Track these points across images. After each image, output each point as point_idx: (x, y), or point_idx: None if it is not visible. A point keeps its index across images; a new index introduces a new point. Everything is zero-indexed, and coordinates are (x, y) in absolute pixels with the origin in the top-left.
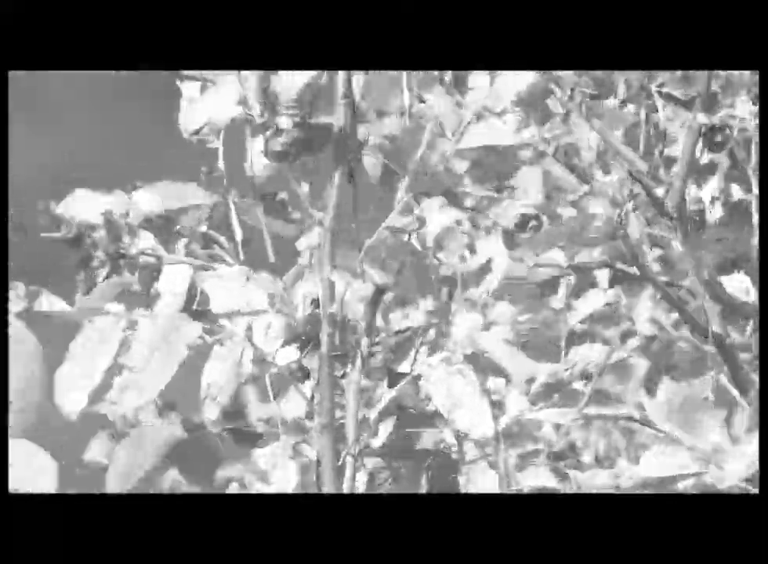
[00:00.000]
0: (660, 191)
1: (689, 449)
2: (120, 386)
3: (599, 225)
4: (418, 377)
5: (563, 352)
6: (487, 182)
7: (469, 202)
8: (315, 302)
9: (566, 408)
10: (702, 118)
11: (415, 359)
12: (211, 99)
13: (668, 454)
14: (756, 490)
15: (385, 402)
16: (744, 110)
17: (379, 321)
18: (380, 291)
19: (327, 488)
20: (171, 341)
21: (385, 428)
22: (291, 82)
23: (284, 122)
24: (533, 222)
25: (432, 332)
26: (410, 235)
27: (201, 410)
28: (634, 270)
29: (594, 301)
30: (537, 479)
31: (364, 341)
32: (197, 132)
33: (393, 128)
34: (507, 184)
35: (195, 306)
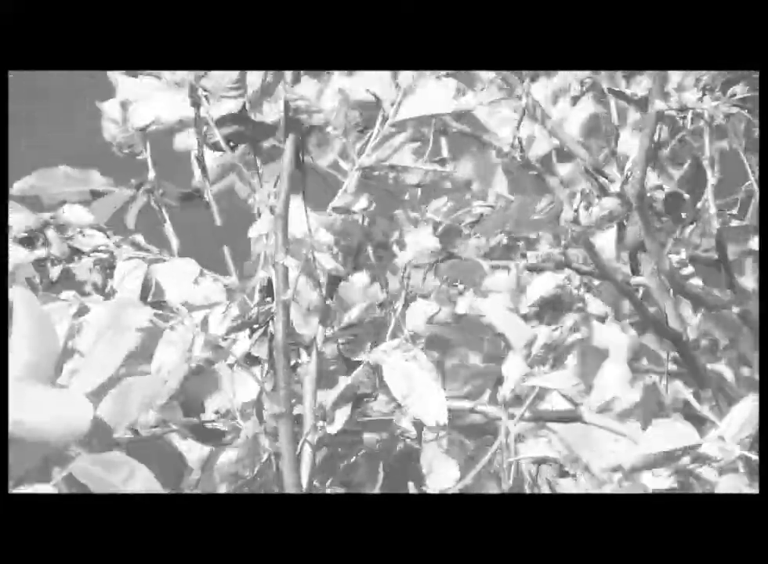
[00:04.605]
0: (616, 184)
1: None
2: (70, 370)
3: (542, 207)
4: (375, 364)
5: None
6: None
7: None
8: (265, 289)
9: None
10: (660, 105)
11: (371, 349)
12: (162, 97)
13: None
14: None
15: (341, 388)
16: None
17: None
18: (335, 278)
19: (286, 478)
20: (120, 325)
21: (342, 415)
22: (222, 77)
23: (227, 108)
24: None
25: (387, 320)
26: (363, 217)
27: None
28: (593, 268)
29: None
30: (537, 449)
31: (320, 330)
32: (144, 129)
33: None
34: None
35: (150, 298)
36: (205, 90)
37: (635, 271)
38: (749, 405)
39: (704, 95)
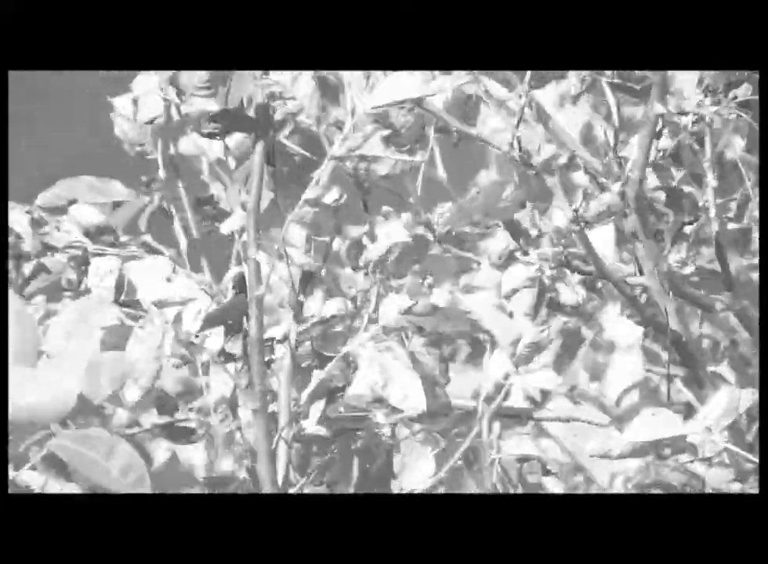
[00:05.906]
0: (616, 186)
1: None
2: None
3: (510, 193)
4: (348, 357)
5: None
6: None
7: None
8: (238, 285)
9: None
10: (659, 108)
11: (345, 343)
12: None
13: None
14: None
15: (315, 383)
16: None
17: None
18: (307, 274)
19: (262, 474)
20: (88, 325)
21: (317, 410)
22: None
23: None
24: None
25: (361, 316)
26: (334, 209)
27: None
28: (592, 269)
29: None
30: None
31: (293, 327)
32: (151, 121)
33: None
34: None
35: (123, 297)
36: (177, 88)
37: (642, 271)
38: (728, 392)
39: (705, 97)
